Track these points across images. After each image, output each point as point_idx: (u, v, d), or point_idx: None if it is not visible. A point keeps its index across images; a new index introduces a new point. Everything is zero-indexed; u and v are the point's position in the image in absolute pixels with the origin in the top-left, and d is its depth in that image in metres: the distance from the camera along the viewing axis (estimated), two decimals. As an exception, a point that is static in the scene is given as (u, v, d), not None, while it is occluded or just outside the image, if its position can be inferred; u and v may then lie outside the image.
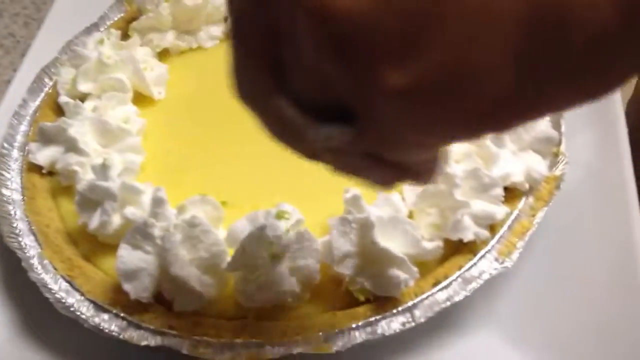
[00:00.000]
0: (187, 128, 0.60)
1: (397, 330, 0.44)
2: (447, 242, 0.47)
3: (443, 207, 0.47)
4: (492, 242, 0.47)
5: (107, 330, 0.46)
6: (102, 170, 0.50)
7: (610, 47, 0.21)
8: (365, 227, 0.45)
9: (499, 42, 0.21)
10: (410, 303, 0.45)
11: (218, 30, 0.66)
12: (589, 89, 0.23)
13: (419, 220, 0.48)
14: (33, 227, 0.52)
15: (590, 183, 0.54)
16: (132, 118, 0.58)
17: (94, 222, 0.49)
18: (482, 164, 0.49)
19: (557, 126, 0.53)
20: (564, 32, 0.21)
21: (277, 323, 0.45)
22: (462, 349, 0.46)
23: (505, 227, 0.48)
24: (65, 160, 0.53)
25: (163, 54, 0.65)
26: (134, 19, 0.66)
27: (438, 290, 0.46)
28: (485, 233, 0.47)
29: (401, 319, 0.45)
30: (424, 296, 0.45)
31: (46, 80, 0.63)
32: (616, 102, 0.58)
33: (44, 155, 0.55)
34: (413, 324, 0.44)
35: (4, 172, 0.56)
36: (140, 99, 0.61)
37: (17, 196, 0.54)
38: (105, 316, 0.46)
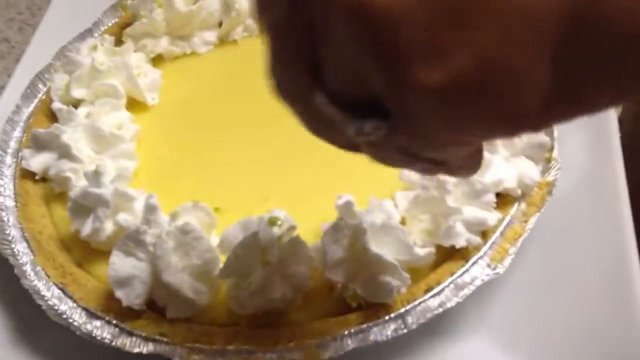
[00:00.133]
0: (180, 134, 0.60)
1: (389, 337, 0.44)
2: (439, 248, 0.47)
3: (435, 214, 0.47)
4: (485, 248, 0.47)
5: (99, 338, 0.46)
6: (95, 176, 0.50)
7: None
8: (358, 234, 0.45)
9: (535, 40, 0.21)
10: (402, 309, 0.45)
11: (212, 35, 0.66)
12: (625, 88, 0.23)
13: (411, 226, 0.48)
14: (26, 234, 0.52)
15: (582, 189, 0.54)
16: (125, 124, 0.58)
17: (87, 228, 0.49)
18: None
19: (549, 132, 0.53)
20: (600, 28, 0.21)
21: (270, 330, 0.45)
22: (455, 356, 0.46)
23: (497, 233, 0.48)
24: (58, 166, 0.53)
25: (157, 60, 0.65)
26: (128, 24, 0.66)
27: (430, 297, 0.46)
28: (477, 239, 0.47)
29: (393, 325, 0.45)
30: (416, 302, 0.45)
31: (40, 86, 0.63)
32: (609, 107, 0.58)
33: (37, 162, 0.55)
34: (405, 330, 0.44)
35: (-3, 179, 0.56)
36: (134, 104, 0.61)
37: (10, 203, 0.54)
38: (98, 323, 0.46)
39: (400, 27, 0.21)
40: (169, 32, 0.65)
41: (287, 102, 0.29)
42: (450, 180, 0.47)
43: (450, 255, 0.48)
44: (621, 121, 0.93)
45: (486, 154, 0.49)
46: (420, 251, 0.46)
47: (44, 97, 0.62)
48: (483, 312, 0.48)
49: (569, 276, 0.49)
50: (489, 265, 0.47)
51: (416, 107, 0.23)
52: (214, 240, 0.48)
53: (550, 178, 0.51)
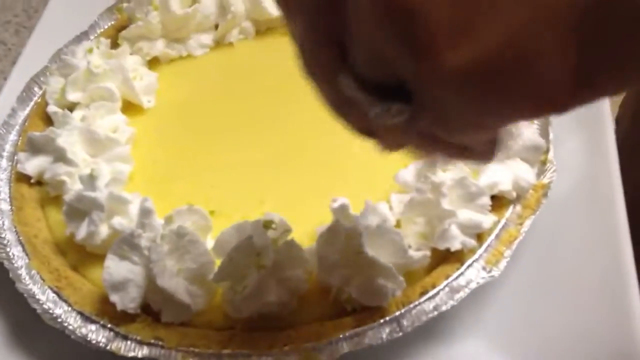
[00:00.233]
0: (176, 136, 0.60)
1: (385, 340, 0.44)
2: (434, 251, 0.47)
3: (430, 216, 0.47)
4: (480, 251, 0.47)
5: (94, 342, 0.46)
6: (90, 180, 0.50)
7: None
8: (353, 237, 0.45)
9: (560, 20, 0.21)
10: (397, 313, 0.45)
11: (208, 38, 0.66)
12: None
13: (406, 229, 0.48)
14: (21, 238, 0.52)
15: (578, 191, 0.54)
16: (121, 127, 0.58)
17: (82, 232, 0.49)
18: (470, 172, 0.49)
19: (544, 134, 0.53)
20: (625, 6, 0.21)
21: (265, 334, 0.45)
22: (450, 359, 0.46)
23: (492, 236, 0.48)
24: (54, 170, 0.53)
25: (153, 62, 0.66)
26: (124, 27, 0.66)
27: (425, 300, 0.45)
28: (472, 242, 0.47)
29: (388, 328, 0.44)
30: (411, 306, 0.45)
31: (36, 89, 0.63)
32: (604, 109, 0.58)
33: (32, 165, 0.55)
34: (400, 333, 0.44)
35: (-8, 182, 0.56)
36: (130, 107, 0.61)
37: (5, 206, 0.54)
38: (93, 327, 0.46)
39: (426, 8, 0.21)
40: (164, 34, 0.65)
41: (313, 82, 0.30)
42: (445, 182, 0.47)
43: (445, 258, 0.47)
44: (618, 121, 0.94)
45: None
46: (415, 254, 0.46)
47: (39, 100, 0.62)
48: (478, 315, 0.48)
49: (564, 279, 0.49)
50: (484, 268, 0.47)
51: (442, 89, 0.23)
52: (210, 243, 0.48)
53: (545, 180, 0.51)
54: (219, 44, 0.67)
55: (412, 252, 0.46)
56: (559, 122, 0.54)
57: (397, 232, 0.46)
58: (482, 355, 0.46)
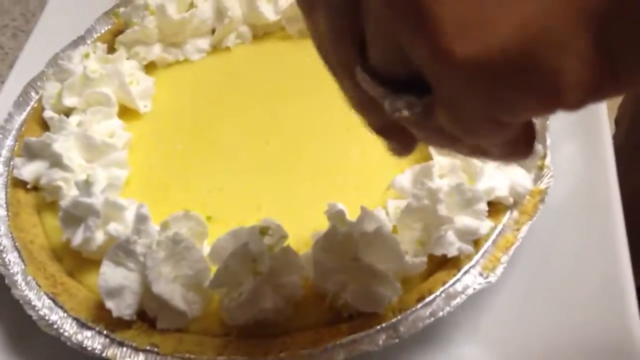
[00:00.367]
0: (173, 141, 0.60)
1: (381, 347, 0.44)
2: (431, 257, 0.47)
3: (427, 223, 0.47)
4: (477, 257, 0.47)
5: (90, 348, 0.45)
6: (86, 186, 0.49)
7: None
8: (349, 243, 0.45)
9: (571, 13, 0.21)
10: (394, 319, 0.45)
11: (205, 42, 0.66)
12: None
13: (403, 235, 0.48)
14: (17, 244, 0.52)
15: (575, 196, 0.54)
16: (117, 132, 0.58)
17: (77, 238, 0.49)
18: (466, 178, 0.49)
19: (541, 139, 0.53)
20: None
21: (261, 340, 0.45)
22: (447, 365, 0.46)
23: (489, 242, 0.48)
24: (50, 175, 0.53)
25: (150, 67, 0.65)
26: (121, 32, 0.66)
27: (422, 306, 0.45)
28: (469, 248, 0.47)
29: (385, 335, 0.44)
30: (407, 312, 0.45)
31: (32, 94, 0.63)
32: (601, 114, 0.58)
33: (28, 171, 0.55)
34: (397, 340, 0.44)
35: (-12, 188, 0.56)
36: (126, 112, 0.61)
37: (1, 212, 0.54)
38: (88, 333, 0.46)
39: (439, 1, 0.22)
40: (161, 39, 0.65)
41: (331, 73, 0.30)
42: (442, 189, 0.47)
43: (442, 264, 0.47)
44: (618, 122, 0.94)
45: (478, 162, 0.49)
46: (412, 260, 0.46)
47: (36, 105, 0.62)
48: (475, 321, 0.48)
49: (561, 284, 0.49)
50: (481, 274, 0.47)
51: (453, 81, 0.23)
52: (206, 249, 0.48)
53: (542, 186, 0.51)
54: (216, 48, 0.67)
55: (408, 258, 0.46)
56: (556, 128, 0.54)
57: (393, 238, 0.46)
58: (479, 361, 0.46)
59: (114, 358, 0.45)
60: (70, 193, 0.52)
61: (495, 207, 0.49)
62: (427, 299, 0.46)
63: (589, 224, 0.52)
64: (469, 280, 0.47)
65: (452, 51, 0.22)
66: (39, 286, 0.49)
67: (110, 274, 0.45)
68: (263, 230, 0.45)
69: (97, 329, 0.46)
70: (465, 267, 0.47)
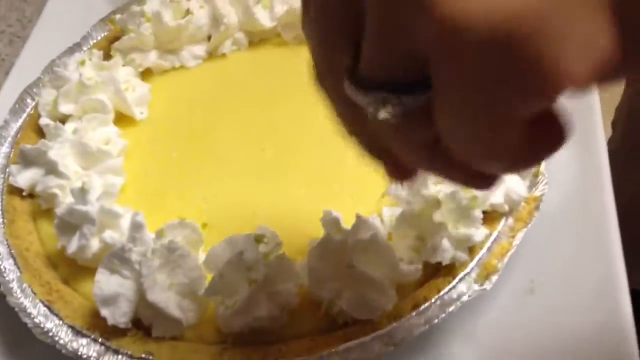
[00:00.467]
0: (169, 148, 0.60)
1: (376, 354, 0.44)
2: (426, 264, 0.47)
3: (422, 230, 0.47)
4: (471, 265, 0.47)
5: (85, 356, 0.45)
6: (81, 193, 0.49)
7: None
8: (344, 250, 0.45)
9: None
10: (389, 326, 0.45)
11: (201, 49, 0.66)
12: None
13: (398, 243, 0.48)
14: (13, 251, 0.52)
15: (570, 203, 0.54)
16: (113, 139, 0.58)
17: (73, 245, 0.49)
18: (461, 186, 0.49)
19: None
20: None
21: (256, 348, 0.45)
22: (442, 372, 0.46)
23: (484, 249, 0.48)
24: (45, 183, 0.53)
25: (146, 74, 0.65)
26: (117, 38, 0.66)
27: (417, 314, 0.45)
28: (464, 256, 0.47)
29: (380, 342, 0.44)
30: (402, 319, 0.45)
31: (28, 100, 0.63)
32: (596, 121, 0.58)
33: (24, 178, 0.55)
34: (392, 347, 0.44)
35: (-16, 195, 0.55)
36: (122, 119, 0.61)
37: (-3, 219, 0.54)
38: (84, 341, 0.46)
39: None
40: (157, 46, 0.65)
41: (318, 80, 0.30)
42: (436, 196, 0.47)
43: (436, 271, 0.47)
44: (614, 124, 0.94)
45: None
46: (407, 268, 0.46)
47: (32, 112, 0.62)
48: (470, 329, 0.48)
49: (556, 291, 0.49)
50: (475, 282, 0.47)
51: (458, 57, 0.22)
52: (201, 257, 0.48)
53: (537, 193, 0.51)
54: (211, 55, 0.67)
55: (403, 266, 0.46)
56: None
57: (388, 245, 0.46)
58: (474, 368, 0.46)
59: (109, 366, 0.45)
60: (66, 200, 0.52)
61: (490, 215, 0.50)
62: (422, 307, 0.46)
63: (584, 231, 0.52)
64: (464, 287, 0.47)
65: (455, 15, 0.21)
66: (35, 294, 0.49)
67: (105, 282, 0.45)
68: (258, 238, 0.46)
69: (93, 336, 0.46)
70: (460, 275, 0.47)
